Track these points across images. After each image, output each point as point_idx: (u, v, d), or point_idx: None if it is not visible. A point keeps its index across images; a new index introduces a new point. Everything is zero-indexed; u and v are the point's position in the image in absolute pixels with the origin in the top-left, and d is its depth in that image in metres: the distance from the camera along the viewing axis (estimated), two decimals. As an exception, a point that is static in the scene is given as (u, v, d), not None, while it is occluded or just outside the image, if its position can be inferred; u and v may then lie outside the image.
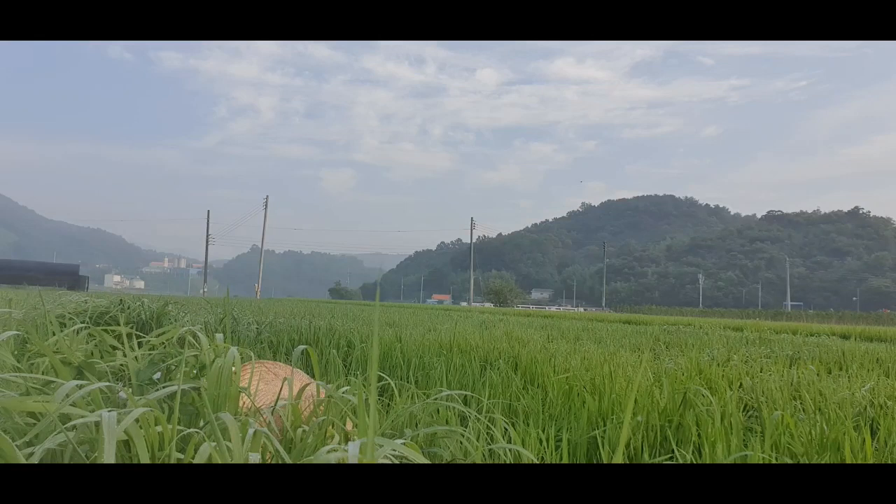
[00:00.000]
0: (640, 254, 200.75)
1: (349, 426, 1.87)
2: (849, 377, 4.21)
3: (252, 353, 2.29)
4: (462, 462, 1.82)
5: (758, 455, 1.93)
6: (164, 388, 1.67)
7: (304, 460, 1.40)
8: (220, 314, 5.74)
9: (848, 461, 2.11)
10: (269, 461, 1.47)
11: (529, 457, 1.67)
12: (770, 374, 4.02)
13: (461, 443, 1.88)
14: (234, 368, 1.78)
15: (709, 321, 17.06)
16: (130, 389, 1.74)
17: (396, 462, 1.25)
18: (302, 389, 1.87)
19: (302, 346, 2.04)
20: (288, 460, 1.43)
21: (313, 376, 2.19)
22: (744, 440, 2.40)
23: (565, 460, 1.73)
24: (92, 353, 2.25)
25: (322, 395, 1.92)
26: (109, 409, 1.25)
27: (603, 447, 2.14)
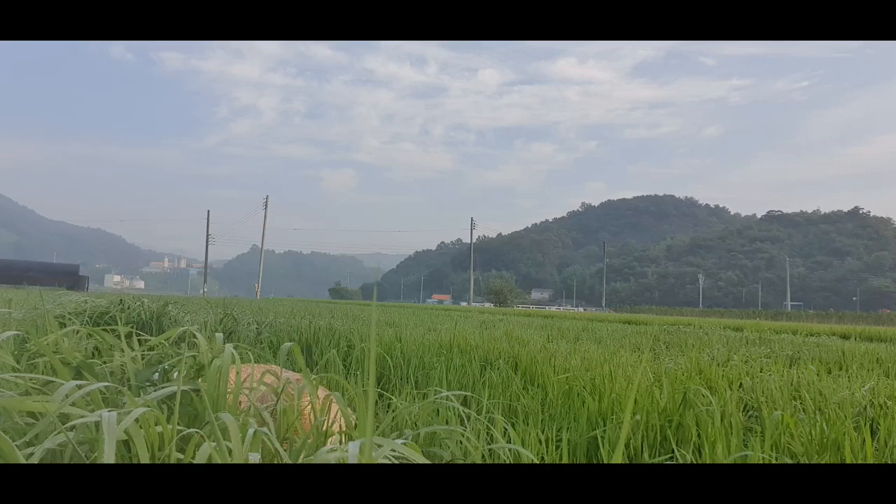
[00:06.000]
0: (640, 254, 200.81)
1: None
2: (849, 377, 4.21)
3: (251, 354, 2.29)
4: (462, 462, 1.82)
5: (758, 455, 1.92)
6: (162, 388, 1.67)
7: (304, 460, 1.40)
8: (220, 314, 5.74)
9: (848, 461, 2.11)
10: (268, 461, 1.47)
11: (529, 457, 1.67)
12: (770, 374, 4.01)
13: (461, 442, 1.88)
14: (235, 370, 1.78)
15: (709, 321, 17.05)
16: (129, 389, 1.74)
17: (396, 462, 1.25)
18: (301, 389, 1.87)
19: (288, 344, 2.02)
20: (288, 460, 1.43)
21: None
22: (744, 440, 2.39)
23: (565, 460, 1.73)
24: (93, 354, 2.25)
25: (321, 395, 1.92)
26: (109, 409, 1.25)
27: (603, 447, 2.14)
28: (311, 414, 1.82)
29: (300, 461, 1.45)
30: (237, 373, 1.79)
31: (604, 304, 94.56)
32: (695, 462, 2.17)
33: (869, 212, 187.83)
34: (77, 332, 2.67)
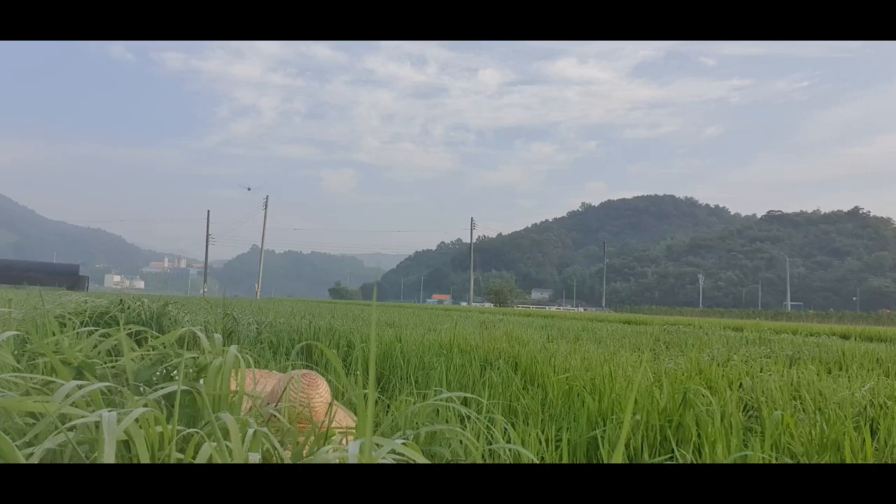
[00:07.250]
0: (640, 254, 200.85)
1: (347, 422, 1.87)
2: (849, 377, 4.21)
3: (251, 358, 2.28)
4: (462, 462, 1.82)
5: (758, 455, 1.92)
6: (162, 388, 1.67)
7: (304, 460, 1.40)
8: (220, 314, 5.74)
9: (848, 461, 2.11)
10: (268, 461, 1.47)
11: (529, 456, 1.67)
12: (770, 374, 4.01)
13: (461, 441, 1.88)
14: (234, 371, 1.78)
15: (709, 321, 17.05)
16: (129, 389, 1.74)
17: (396, 462, 1.25)
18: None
19: (334, 352, 2.02)
20: (288, 460, 1.43)
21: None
22: (744, 440, 2.39)
23: (565, 460, 1.73)
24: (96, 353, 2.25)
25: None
26: (109, 409, 1.25)
27: (603, 447, 2.14)
28: (310, 413, 1.82)
29: (300, 461, 1.45)
30: (241, 374, 1.79)
31: (604, 304, 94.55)
32: (695, 462, 2.18)
33: (869, 212, 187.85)
34: (77, 332, 2.67)
